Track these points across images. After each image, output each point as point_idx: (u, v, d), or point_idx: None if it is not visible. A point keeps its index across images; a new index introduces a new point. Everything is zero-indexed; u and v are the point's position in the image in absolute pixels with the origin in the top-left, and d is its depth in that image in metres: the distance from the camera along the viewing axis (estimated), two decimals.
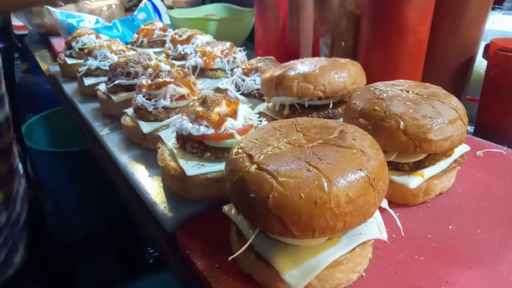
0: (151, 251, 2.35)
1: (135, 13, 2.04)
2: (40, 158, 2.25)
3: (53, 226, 2.44)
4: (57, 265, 1.57)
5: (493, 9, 1.55)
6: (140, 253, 2.37)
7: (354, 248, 0.58)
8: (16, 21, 2.91)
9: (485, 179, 0.82)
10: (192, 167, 0.75)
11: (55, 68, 1.67)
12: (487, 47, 1.02)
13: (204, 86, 1.10)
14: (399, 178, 0.73)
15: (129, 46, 1.71)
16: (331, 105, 0.95)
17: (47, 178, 2.33)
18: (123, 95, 1.15)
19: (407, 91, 0.78)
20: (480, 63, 1.16)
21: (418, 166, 0.75)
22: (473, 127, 1.12)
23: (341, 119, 0.94)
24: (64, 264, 1.70)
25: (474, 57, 1.12)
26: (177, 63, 1.46)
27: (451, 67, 1.09)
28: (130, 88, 1.16)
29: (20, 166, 1.16)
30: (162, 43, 1.75)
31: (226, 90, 1.18)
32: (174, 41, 1.52)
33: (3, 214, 1.01)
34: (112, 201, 2.20)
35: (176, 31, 1.57)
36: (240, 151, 0.58)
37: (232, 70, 1.31)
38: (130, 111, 1.04)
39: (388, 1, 0.98)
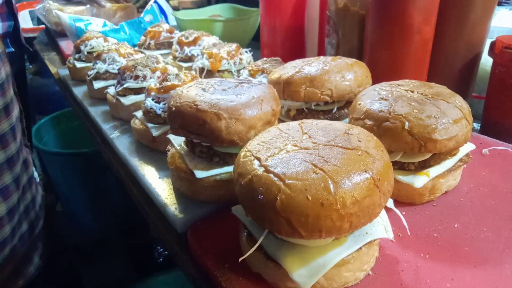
0: (161, 250, 2.38)
1: (142, 15, 2.06)
2: (50, 160, 2.29)
3: (63, 227, 2.48)
4: (67, 266, 1.59)
5: (500, 4, 1.54)
6: (149, 252, 2.40)
7: (361, 248, 0.59)
8: (25, 24, 2.96)
9: (490, 178, 0.83)
10: (201, 169, 0.77)
11: (65, 71, 1.70)
12: (492, 45, 1.03)
13: None
14: (405, 178, 0.74)
15: (136, 48, 1.73)
16: (335, 109, 0.97)
17: (57, 179, 2.36)
18: (132, 98, 1.17)
19: (412, 91, 0.78)
20: (487, 61, 1.16)
21: (423, 165, 0.76)
22: (480, 124, 1.12)
23: (347, 120, 0.95)
24: (73, 265, 1.72)
25: (480, 55, 1.12)
26: (184, 64, 1.48)
27: (457, 65, 1.10)
28: (139, 91, 1.18)
29: (35, 174, 1.17)
30: (169, 45, 1.77)
31: None
32: (181, 43, 1.54)
33: (7, 227, 1.00)
34: (121, 201, 2.24)
35: (183, 33, 1.59)
36: (248, 153, 0.60)
37: (238, 71, 1.33)
38: (139, 114, 1.06)
39: (393, 2, 0.99)
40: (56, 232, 1.59)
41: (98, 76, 1.37)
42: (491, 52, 1.03)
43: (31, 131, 1.24)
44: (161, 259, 2.34)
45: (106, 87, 1.32)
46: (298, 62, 1.01)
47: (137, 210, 0.95)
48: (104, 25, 1.96)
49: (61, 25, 2.19)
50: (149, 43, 1.76)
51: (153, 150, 1.01)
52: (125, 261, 2.35)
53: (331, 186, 0.50)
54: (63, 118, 2.61)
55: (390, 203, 0.62)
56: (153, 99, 1.01)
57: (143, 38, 1.78)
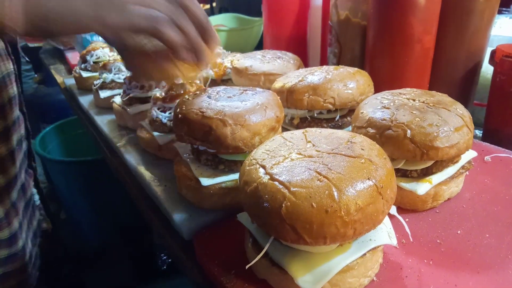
0: (164, 257, 2.38)
1: None
2: (54, 168, 2.30)
3: (67, 235, 2.49)
4: (70, 274, 1.59)
5: (500, 12, 1.55)
6: (153, 260, 2.40)
7: (365, 254, 0.60)
8: None
9: (493, 184, 0.84)
10: (207, 177, 0.78)
11: (71, 81, 1.72)
12: (492, 53, 1.04)
13: None
14: (407, 185, 0.75)
15: None
16: (337, 117, 0.98)
17: (60, 187, 2.38)
18: (138, 107, 1.19)
19: (414, 100, 0.80)
20: (488, 68, 1.17)
21: (426, 172, 0.77)
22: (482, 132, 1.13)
23: (350, 128, 0.96)
24: (77, 273, 1.72)
25: (480, 63, 1.14)
26: None
27: (458, 74, 1.11)
28: (144, 100, 1.20)
29: (36, 197, 1.13)
30: None
31: None
32: None
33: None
34: (125, 209, 2.25)
35: None
36: (253, 162, 0.61)
37: None
38: (145, 123, 1.08)
39: (393, 13, 1.00)
40: (59, 239, 1.60)
41: (104, 86, 1.40)
42: (492, 61, 1.04)
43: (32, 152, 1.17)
44: (164, 267, 2.35)
45: (112, 96, 1.34)
46: (301, 71, 1.03)
47: (141, 217, 0.96)
48: None
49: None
50: None
51: (159, 159, 1.02)
52: (128, 268, 2.35)
53: (335, 193, 0.52)
54: (67, 127, 2.63)
55: (393, 210, 0.63)
56: (158, 108, 1.03)
57: None
